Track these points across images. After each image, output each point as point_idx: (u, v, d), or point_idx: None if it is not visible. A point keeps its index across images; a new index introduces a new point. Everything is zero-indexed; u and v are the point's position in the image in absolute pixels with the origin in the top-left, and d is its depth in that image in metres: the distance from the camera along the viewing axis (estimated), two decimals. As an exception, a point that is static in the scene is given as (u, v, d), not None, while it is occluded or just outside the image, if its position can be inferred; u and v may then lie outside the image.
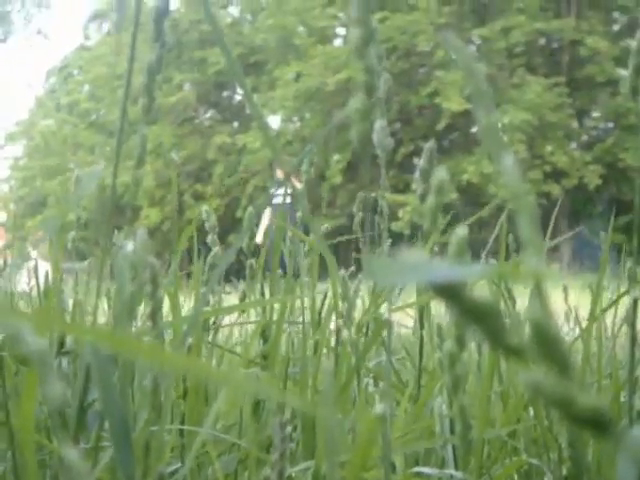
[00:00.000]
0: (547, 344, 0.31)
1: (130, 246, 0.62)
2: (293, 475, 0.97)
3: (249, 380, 1.19)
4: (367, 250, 1.69)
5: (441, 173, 0.62)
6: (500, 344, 0.31)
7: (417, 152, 23.39)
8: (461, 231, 0.51)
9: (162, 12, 0.53)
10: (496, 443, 1.06)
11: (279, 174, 11.52)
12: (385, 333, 0.93)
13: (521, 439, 1.06)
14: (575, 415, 0.31)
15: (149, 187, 25.20)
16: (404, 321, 1.85)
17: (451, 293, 0.30)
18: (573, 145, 24.11)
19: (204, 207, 1.52)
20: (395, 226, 16.54)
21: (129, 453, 0.64)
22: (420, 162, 0.80)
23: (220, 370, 1.30)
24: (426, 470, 0.95)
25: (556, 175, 22.63)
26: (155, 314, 0.64)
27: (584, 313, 1.10)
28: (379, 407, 0.56)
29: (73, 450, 0.42)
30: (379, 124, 0.76)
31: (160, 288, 0.63)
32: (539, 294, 0.32)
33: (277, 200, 12.17)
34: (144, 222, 23.69)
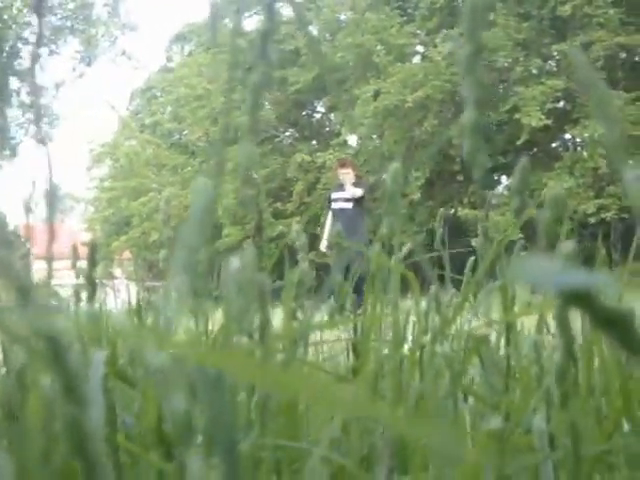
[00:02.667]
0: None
1: (237, 263, 0.63)
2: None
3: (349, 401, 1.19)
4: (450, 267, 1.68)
5: (557, 187, 0.62)
6: (635, 352, 0.32)
7: (497, 168, 23.19)
8: (569, 244, 0.51)
9: (268, 30, 0.54)
10: (590, 459, 1.05)
11: (344, 179, 11.05)
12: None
13: (619, 454, 1.05)
14: None
15: (230, 205, 25.41)
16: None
17: (585, 300, 0.30)
18: (656, 159, 23.68)
19: (295, 227, 1.53)
20: (476, 242, 16.40)
21: (237, 470, 0.64)
22: (513, 177, 0.80)
23: (319, 389, 1.31)
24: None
25: None
26: (264, 329, 0.65)
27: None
28: (495, 421, 0.56)
29: (197, 459, 0.44)
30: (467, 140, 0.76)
31: (268, 304, 0.64)
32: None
33: (336, 205, 11.60)
34: (225, 241, 23.90)
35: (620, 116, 0.36)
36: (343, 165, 10.88)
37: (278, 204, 25.79)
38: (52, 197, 0.64)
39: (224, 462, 0.64)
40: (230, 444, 0.64)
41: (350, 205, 10.36)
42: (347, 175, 10.66)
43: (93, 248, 0.88)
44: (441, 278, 1.57)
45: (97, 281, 0.87)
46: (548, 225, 0.58)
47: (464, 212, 22.34)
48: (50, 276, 0.90)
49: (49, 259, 0.92)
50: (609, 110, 0.36)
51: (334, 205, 10.59)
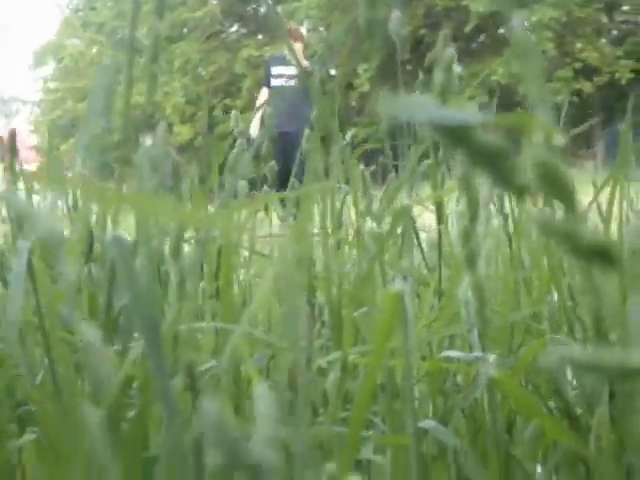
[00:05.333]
0: (554, 183, 0.32)
1: (149, 140, 0.62)
2: (323, 366, 0.99)
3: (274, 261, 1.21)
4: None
5: (449, 51, 0.62)
6: (509, 185, 0.32)
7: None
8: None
9: None
10: (521, 327, 1.08)
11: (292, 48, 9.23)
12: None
13: (546, 322, 1.08)
14: (581, 249, 0.32)
15: (179, 104, 25.11)
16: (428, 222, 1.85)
17: (460, 135, 0.31)
18: (603, 41, 23.69)
19: (233, 113, 1.51)
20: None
21: (158, 345, 0.65)
22: (435, 49, 0.79)
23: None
24: (453, 354, 0.96)
25: (587, 72, 22.26)
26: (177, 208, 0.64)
27: (615, 209, 1.11)
28: (398, 284, 0.57)
29: (91, 329, 0.44)
30: (394, 14, 0.76)
31: (182, 181, 0.64)
32: (544, 144, 0.33)
33: (278, 82, 9.66)
34: (177, 139, 23.67)
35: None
36: (296, 38, 9.11)
37: (227, 100, 25.51)
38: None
39: (145, 340, 0.65)
40: (151, 322, 0.64)
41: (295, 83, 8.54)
42: (298, 50, 8.88)
43: (12, 137, 0.88)
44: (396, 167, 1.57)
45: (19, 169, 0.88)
46: (440, 86, 0.58)
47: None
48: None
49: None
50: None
51: (275, 82, 8.93)
